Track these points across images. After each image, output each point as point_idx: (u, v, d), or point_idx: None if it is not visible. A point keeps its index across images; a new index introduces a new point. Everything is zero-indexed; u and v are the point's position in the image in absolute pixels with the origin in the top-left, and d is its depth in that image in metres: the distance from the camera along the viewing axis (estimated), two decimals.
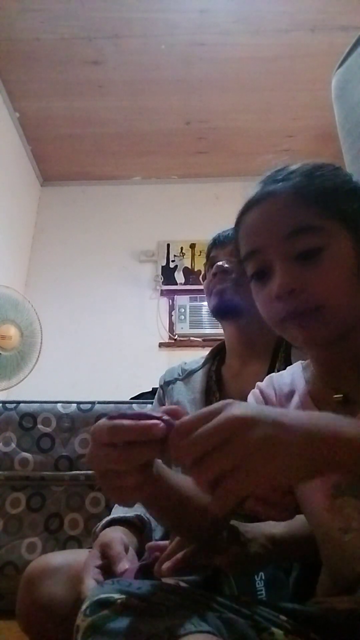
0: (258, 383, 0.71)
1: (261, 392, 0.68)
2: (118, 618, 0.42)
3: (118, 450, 0.41)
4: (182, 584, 0.52)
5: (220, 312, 0.99)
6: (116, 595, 0.44)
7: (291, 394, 0.64)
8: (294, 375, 0.66)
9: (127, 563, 0.65)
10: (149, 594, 0.45)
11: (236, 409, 0.40)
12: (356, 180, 0.60)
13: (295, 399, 0.63)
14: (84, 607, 0.44)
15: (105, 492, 0.48)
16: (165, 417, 0.42)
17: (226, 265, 0.97)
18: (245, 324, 0.98)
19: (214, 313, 1.00)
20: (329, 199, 0.55)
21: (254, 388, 0.91)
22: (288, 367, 0.70)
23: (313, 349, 0.60)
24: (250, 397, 0.69)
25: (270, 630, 0.45)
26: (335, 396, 0.57)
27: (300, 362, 0.69)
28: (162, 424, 0.41)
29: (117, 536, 0.71)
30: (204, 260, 1.11)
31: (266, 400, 0.66)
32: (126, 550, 0.69)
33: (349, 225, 0.55)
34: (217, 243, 1.03)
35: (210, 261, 1.04)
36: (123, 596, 0.44)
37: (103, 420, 0.42)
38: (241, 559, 0.62)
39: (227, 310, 0.98)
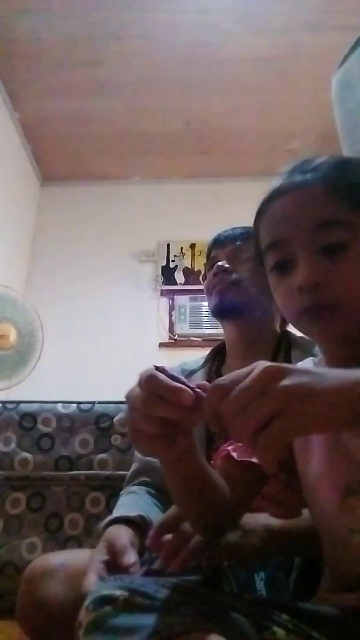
0: None
1: None
2: (120, 614, 0.42)
3: (147, 394, 0.45)
4: (184, 582, 0.52)
5: (220, 312, 0.99)
6: (118, 592, 0.44)
7: None
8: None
9: (132, 556, 0.65)
10: (152, 591, 0.45)
11: (268, 363, 0.41)
12: None
13: None
14: (86, 602, 0.45)
15: (131, 438, 0.49)
16: (197, 390, 0.44)
17: (226, 265, 0.97)
18: (245, 324, 0.98)
19: (214, 313, 1.01)
20: (359, 194, 0.54)
21: None
22: (299, 363, 0.70)
23: (328, 344, 0.60)
24: None
25: (272, 630, 0.45)
26: None
27: (310, 359, 0.68)
28: (192, 393, 0.43)
29: (122, 532, 0.71)
30: (204, 260, 1.11)
31: None
32: (132, 546, 0.69)
33: None
34: (218, 243, 1.03)
35: (210, 261, 1.04)
36: (125, 593, 0.44)
37: (150, 368, 0.46)
38: (238, 551, 0.62)
39: (228, 310, 0.98)
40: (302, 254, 0.54)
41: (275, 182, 0.60)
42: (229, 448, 0.60)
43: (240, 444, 0.60)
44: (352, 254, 0.53)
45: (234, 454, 0.59)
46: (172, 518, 0.64)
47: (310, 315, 0.54)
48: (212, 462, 0.63)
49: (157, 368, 0.47)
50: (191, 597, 0.46)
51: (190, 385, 0.45)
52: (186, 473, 0.53)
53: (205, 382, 0.48)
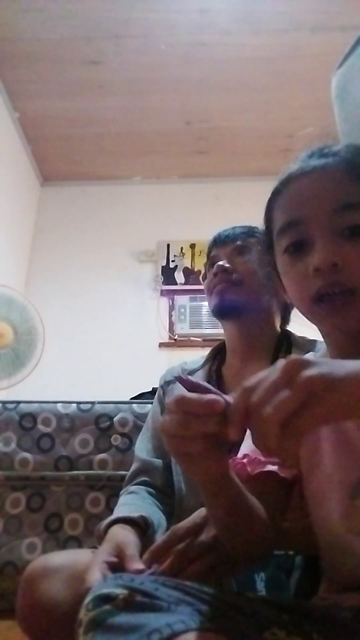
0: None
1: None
2: (120, 613, 0.42)
3: (182, 416, 0.44)
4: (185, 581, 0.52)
5: (221, 312, 0.99)
6: (118, 590, 0.44)
7: None
8: None
9: (141, 565, 0.65)
10: (152, 590, 0.45)
11: (293, 356, 0.41)
12: None
13: None
14: (86, 601, 0.45)
15: (174, 455, 0.49)
16: (225, 396, 0.44)
17: (227, 265, 0.97)
18: (246, 324, 0.98)
19: (215, 313, 1.01)
20: None
21: None
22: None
23: (339, 336, 0.58)
24: None
25: (272, 630, 0.45)
26: None
27: (312, 353, 0.68)
28: (222, 400, 0.43)
29: (131, 538, 0.71)
30: (204, 260, 1.11)
31: None
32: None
33: None
34: (218, 242, 1.03)
35: (210, 260, 1.04)
36: (125, 591, 0.44)
37: (177, 393, 0.45)
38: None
39: (228, 310, 0.98)
40: (321, 234, 0.53)
41: (292, 165, 0.59)
42: (244, 461, 0.60)
43: (254, 456, 0.59)
44: None
45: (249, 468, 0.59)
46: (180, 535, 0.63)
47: (325, 302, 0.53)
48: None
49: (178, 379, 0.47)
50: (191, 596, 0.46)
51: (215, 390, 0.45)
52: (232, 492, 0.52)
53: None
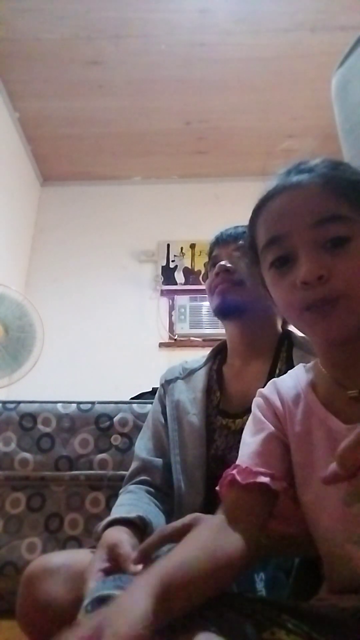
0: (260, 390, 0.69)
1: (265, 398, 0.67)
2: None
3: None
4: None
5: (222, 312, 0.99)
6: (117, 592, 0.45)
7: (298, 397, 0.63)
8: (297, 379, 0.66)
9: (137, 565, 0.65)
10: None
11: None
12: None
13: (302, 402, 0.62)
14: (85, 602, 0.45)
15: None
16: None
17: (229, 265, 0.97)
18: (247, 324, 0.98)
19: (216, 312, 1.00)
20: (357, 192, 0.56)
21: (255, 387, 0.91)
22: (289, 371, 0.70)
23: (328, 342, 0.59)
24: (254, 406, 0.68)
25: (271, 630, 0.45)
26: (350, 392, 0.56)
27: (302, 364, 0.68)
28: None
29: (124, 538, 0.71)
30: (204, 260, 1.11)
31: (272, 407, 0.65)
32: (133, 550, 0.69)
33: None
34: (220, 241, 1.03)
35: (212, 260, 1.03)
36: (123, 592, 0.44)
37: None
38: None
39: (230, 310, 0.97)
40: (304, 248, 0.54)
41: (271, 182, 0.61)
42: (234, 472, 0.59)
43: (244, 466, 0.59)
44: (353, 248, 0.54)
45: (239, 477, 0.58)
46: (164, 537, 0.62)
47: (314, 311, 0.54)
48: (217, 488, 0.62)
49: None
50: None
51: None
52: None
53: None
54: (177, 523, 0.65)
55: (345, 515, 0.52)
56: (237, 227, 1.03)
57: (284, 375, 0.70)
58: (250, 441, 0.63)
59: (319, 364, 0.63)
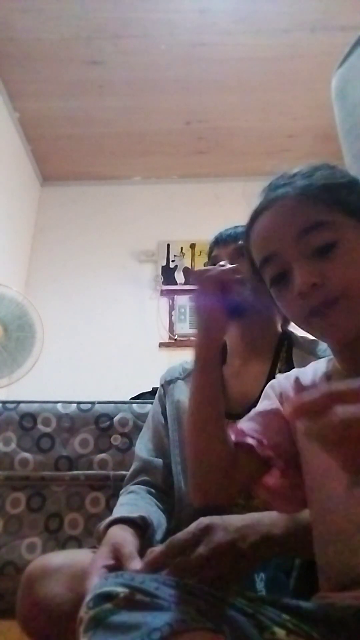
0: (279, 375, 0.72)
1: (280, 382, 0.69)
2: (120, 612, 0.42)
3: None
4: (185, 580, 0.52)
5: None
6: (119, 589, 0.44)
7: (312, 387, 0.64)
8: (315, 371, 0.66)
9: (139, 564, 0.65)
10: (152, 589, 0.45)
11: None
12: (353, 174, 0.63)
13: None
14: (87, 599, 0.45)
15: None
16: None
17: (229, 266, 0.97)
18: (247, 324, 0.98)
19: None
20: (332, 194, 0.57)
21: (255, 388, 0.91)
22: (312, 363, 0.70)
23: (338, 343, 0.60)
24: (267, 386, 0.70)
25: (272, 630, 0.45)
26: None
27: (326, 357, 0.69)
28: None
29: (128, 537, 0.71)
30: (204, 260, 1.11)
31: (280, 390, 0.67)
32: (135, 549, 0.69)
33: (354, 215, 0.57)
34: (220, 242, 1.03)
35: (212, 260, 1.03)
36: (126, 590, 0.44)
37: None
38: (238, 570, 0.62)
39: (230, 311, 0.97)
40: (294, 262, 0.56)
41: (255, 203, 0.63)
42: (229, 429, 0.62)
43: (237, 426, 0.62)
44: (342, 249, 0.55)
45: (232, 436, 0.61)
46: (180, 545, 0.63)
47: (316, 316, 0.55)
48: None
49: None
50: (192, 595, 0.47)
51: None
52: (214, 379, 0.59)
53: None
54: (188, 533, 0.65)
55: (348, 498, 0.53)
56: (237, 227, 1.03)
57: (307, 367, 0.70)
58: (253, 410, 0.66)
59: (334, 362, 0.64)
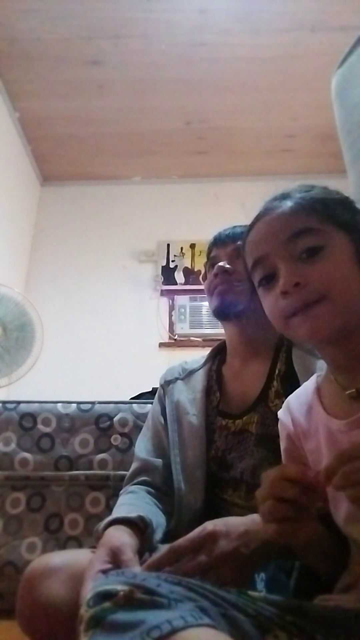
0: (278, 413, 0.73)
1: (281, 422, 0.70)
2: (119, 610, 0.42)
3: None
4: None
5: (222, 313, 0.99)
6: (119, 587, 0.44)
7: (309, 410, 0.65)
8: (306, 390, 0.67)
9: (138, 567, 0.65)
10: (153, 586, 0.45)
11: None
12: (345, 195, 0.67)
13: (312, 413, 0.63)
14: (87, 597, 0.45)
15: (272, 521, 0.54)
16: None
17: (227, 266, 0.97)
18: (246, 324, 0.97)
19: (216, 313, 1.00)
20: (325, 207, 0.61)
21: (254, 388, 0.92)
22: (304, 384, 0.72)
23: (320, 344, 0.62)
24: (280, 430, 0.72)
25: (275, 632, 0.45)
26: (348, 392, 0.59)
27: (315, 375, 0.70)
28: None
29: (127, 541, 0.70)
30: (204, 260, 1.10)
31: (286, 430, 0.68)
32: (132, 549, 0.69)
33: (344, 228, 0.61)
34: (218, 242, 1.03)
35: (211, 261, 1.03)
36: (126, 587, 0.44)
37: None
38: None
39: (229, 311, 0.97)
40: (282, 263, 0.59)
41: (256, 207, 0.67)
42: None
43: None
44: (327, 254, 0.58)
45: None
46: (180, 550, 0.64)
47: (298, 316, 0.57)
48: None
49: None
50: (194, 592, 0.47)
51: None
52: (316, 551, 0.56)
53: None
54: (190, 540, 0.65)
55: (352, 512, 0.53)
56: (235, 227, 1.03)
57: (299, 388, 0.71)
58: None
59: (326, 371, 0.65)
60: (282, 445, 0.69)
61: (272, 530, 0.51)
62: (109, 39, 2.40)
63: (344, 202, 0.64)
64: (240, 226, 1.03)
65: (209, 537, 0.64)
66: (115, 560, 0.66)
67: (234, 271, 0.96)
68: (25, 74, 2.57)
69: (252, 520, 0.68)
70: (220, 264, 0.97)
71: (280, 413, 0.71)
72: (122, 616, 0.42)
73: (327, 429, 0.59)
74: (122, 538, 0.71)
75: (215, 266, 0.98)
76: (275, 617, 0.47)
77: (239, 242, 0.99)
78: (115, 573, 0.49)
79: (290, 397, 0.71)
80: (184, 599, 0.45)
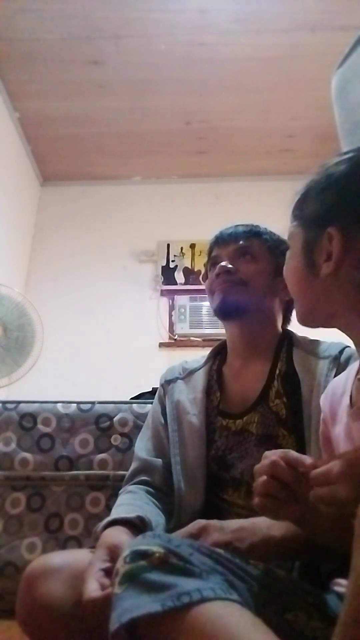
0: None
1: (321, 405, 0.72)
2: (154, 570, 0.45)
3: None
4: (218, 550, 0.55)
5: (223, 313, 0.99)
6: (155, 548, 0.47)
7: (342, 393, 0.66)
8: (350, 369, 0.69)
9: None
10: (186, 554, 0.47)
11: None
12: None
13: (345, 398, 0.64)
14: (124, 554, 0.48)
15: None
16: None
17: (229, 266, 0.97)
18: (247, 324, 0.97)
19: (217, 313, 1.00)
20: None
21: (255, 388, 0.92)
22: (335, 379, 0.74)
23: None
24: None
25: (295, 612, 0.48)
26: (358, 376, 0.61)
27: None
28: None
29: (124, 539, 0.71)
30: (204, 260, 1.10)
31: (322, 412, 0.71)
32: None
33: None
34: (220, 241, 1.02)
35: (212, 260, 1.03)
36: (161, 550, 0.46)
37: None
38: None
39: (231, 311, 0.97)
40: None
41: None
42: None
43: None
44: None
45: None
46: None
47: None
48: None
49: None
50: (223, 566, 0.49)
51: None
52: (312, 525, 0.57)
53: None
54: (184, 533, 0.65)
55: None
56: (237, 226, 1.03)
57: (341, 374, 0.73)
58: None
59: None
60: (320, 428, 0.71)
61: (256, 502, 0.54)
62: (109, 39, 2.40)
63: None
64: (242, 225, 1.03)
65: (202, 530, 0.66)
66: (115, 559, 0.66)
67: (236, 271, 0.96)
68: (25, 74, 2.57)
69: (248, 521, 0.68)
70: (222, 264, 0.97)
71: (322, 395, 0.74)
72: (155, 576, 0.44)
73: (346, 416, 0.61)
74: (120, 537, 0.71)
75: (217, 266, 0.98)
76: (297, 597, 0.48)
77: (241, 242, 0.99)
78: (151, 535, 0.51)
79: (335, 379, 0.73)
80: (213, 572, 0.47)
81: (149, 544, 0.48)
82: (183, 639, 0.41)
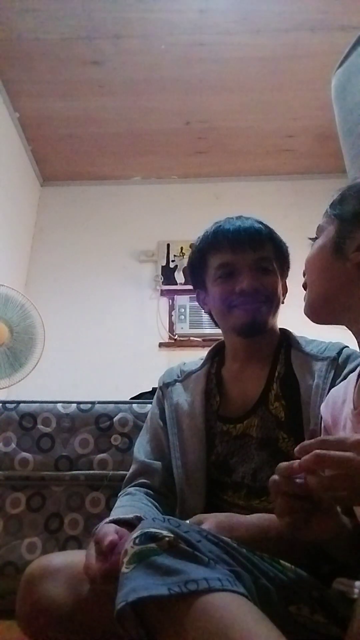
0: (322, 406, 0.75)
1: (323, 415, 0.73)
2: (163, 554, 0.45)
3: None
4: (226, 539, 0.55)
5: (251, 332, 0.93)
6: (165, 532, 0.47)
7: (344, 401, 0.66)
8: (351, 377, 0.69)
9: (114, 536, 0.66)
10: (195, 540, 0.48)
11: None
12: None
13: (347, 405, 0.65)
14: (134, 535, 0.48)
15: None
16: None
17: (258, 286, 0.91)
18: None
19: (240, 331, 0.93)
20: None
21: (254, 391, 0.92)
22: (339, 385, 0.74)
23: None
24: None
25: (298, 605, 0.48)
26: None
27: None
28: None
29: (110, 528, 0.71)
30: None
31: (323, 421, 0.71)
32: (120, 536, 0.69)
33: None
34: (236, 247, 0.95)
35: (227, 268, 0.95)
36: (171, 535, 0.47)
37: None
38: None
39: (260, 331, 0.93)
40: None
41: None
42: None
43: None
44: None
45: None
46: None
47: None
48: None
49: None
50: (230, 555, 0.49)
51: None
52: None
53: None
54: None
55: None
56: (247, 227, 0.95)
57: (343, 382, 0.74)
58: None
59: None
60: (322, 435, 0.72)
61: (285, 524, 0.51)
62: (109, 39, 2.40)
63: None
64: (252, 224, 0.95)
65: (197, 522, 0.66)
66: (99, 550, 0.67)
67: (262, 287, 0.91)
68: (25, 74, 2.57)
69: (245, 517, 0.69)
70: (249, 283, 0.90)
71: (322, 406, 0.74)
72: (164, 560, 0.45)
73: (350, 421, 0.61)
74: (106, 528, 0.72)
75: (245, 284, 0.90)
76: (301, 590, 0.49)
77: (260, 252, 0.92)
78: (161, 519, 0.52)
79: (334, 388, 0.74)
80: (220, 561, 0.47)
81: (159, 527, 0.48)
82: (186, 625, 0.41)
